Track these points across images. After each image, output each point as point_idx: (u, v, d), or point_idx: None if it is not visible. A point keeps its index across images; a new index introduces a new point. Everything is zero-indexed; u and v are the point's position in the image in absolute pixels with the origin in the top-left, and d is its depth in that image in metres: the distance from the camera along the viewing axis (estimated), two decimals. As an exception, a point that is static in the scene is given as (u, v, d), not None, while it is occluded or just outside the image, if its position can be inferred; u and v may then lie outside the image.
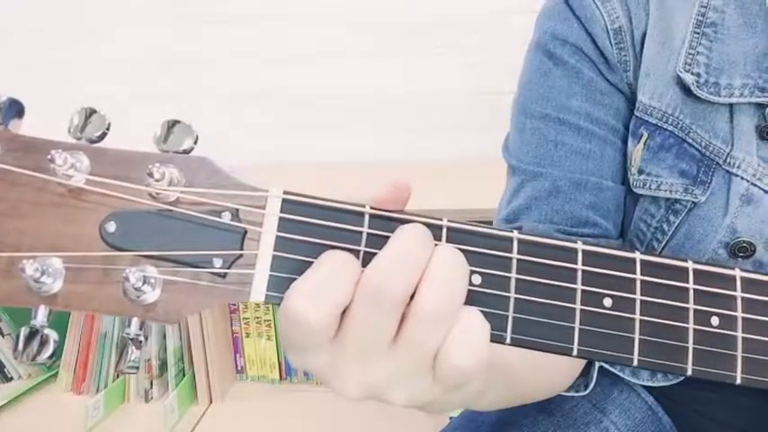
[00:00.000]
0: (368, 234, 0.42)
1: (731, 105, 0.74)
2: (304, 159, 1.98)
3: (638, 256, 0.46)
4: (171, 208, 0.41)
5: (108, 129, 0.42)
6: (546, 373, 0.71)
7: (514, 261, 0.44)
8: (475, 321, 0.42)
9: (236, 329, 1.90)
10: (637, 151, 0.78)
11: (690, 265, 0.47)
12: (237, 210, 0.41)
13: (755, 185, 0.73)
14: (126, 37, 2.01)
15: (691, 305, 0.46)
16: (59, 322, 1.73)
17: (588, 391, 0.79)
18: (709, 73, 0.74)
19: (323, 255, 0.41)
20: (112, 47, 2.01)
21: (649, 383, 0.87)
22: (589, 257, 0.45)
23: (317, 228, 0.42)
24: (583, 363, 0.78)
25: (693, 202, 0.76)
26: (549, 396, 0.76)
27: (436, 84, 1.96)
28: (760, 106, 0.73)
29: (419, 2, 1.91)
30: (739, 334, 0.47)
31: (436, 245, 0.43)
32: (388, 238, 0.42)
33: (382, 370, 0.43)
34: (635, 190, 0.79)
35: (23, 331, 0.40)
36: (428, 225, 0.43)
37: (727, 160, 0.74)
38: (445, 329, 0.42)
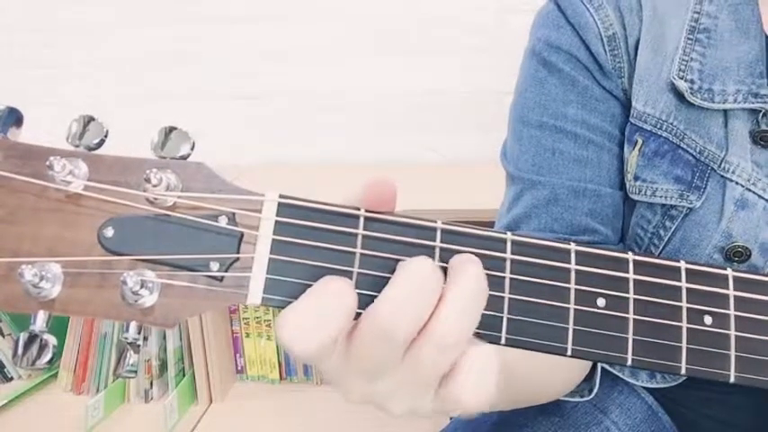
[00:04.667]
0: (363, 236, 0.43)
1: (725, 111, 0.74)
2: (304, 159, 1.99)
3: (630, 256, 0.47)
4: (168, 213, 0.41)
5: (106, 136, 0.42)
6: (546, 379, 0.71)
7: (508, 261, 0.45)
8: (488, 361, 0.42)
9: (236, 329, 1.90)
10: (632, 157, 0.78)
11: (682, 264, 0.47)
12: (234, 214, 0.42)
13: (750, 190, 0.73)
14: (126, 37, 2.01)
15: (684, 304, 0.47)
16: (59, 322, 1.72)
17: (593, 395, 0.79)
18: (702, 79, 0.74)
19: (317, 283, 0.41)
20: (112, 47, 2.02)
21: (648, 385, 0.87)
22: (582, 257, 0.46)
23: (313, 231, 0.42)
24: (587, 368, 0.78)
25: (689, 208, 0.76)
26: (552, 399, 0.77)
27: (436, 84, 1.96)
28: (753, 111, 0.74)
29: (419, 2, 1.91)
30: (732, 332, 0.47)
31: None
32: (383, 240, 0.43)
33: (385, 386, 0.43)
34: (631, 196, 0.80)
35: (22, 336, 0.40)
36: (422, 227, 0.44)
37: (722, 165, 0.74)
38: (456, 355, 0.42)
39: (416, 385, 0.43)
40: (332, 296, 0.40)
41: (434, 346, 0.41)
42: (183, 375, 1.83)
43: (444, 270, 0.43)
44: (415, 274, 0.41)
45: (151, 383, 1.82)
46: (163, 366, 1.83)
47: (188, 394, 1.80)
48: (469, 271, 0.42)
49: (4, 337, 1.88)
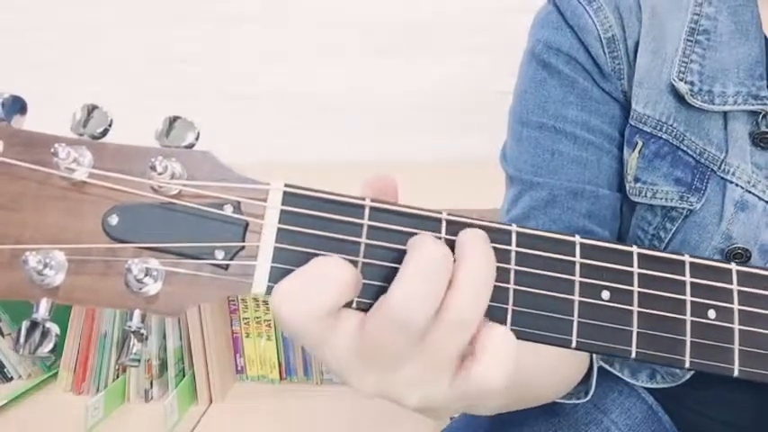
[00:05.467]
0: (368, 226, 0.43)
1: (725, 113, 0.74)
2: (304, 159, 1.98)
3: (635, 249, 0.47)
4: (173, 201, 0.41)
5: (110, 125, 0.42)
6: (547, 378, 0.71)
7: (513, 253, 0.45)
8: (508, 340, 0.43)
9: (236, 329, 1.90)
10: (632, 159, 0.78)
11: (686, 258, 0.47)
12: (239, 202, 0.42)
13: (750, 192, 0.74)
14: (126, 37, 2.01)
15: (688, 297, 0.47)
16: (59, 322, 1.72)
17: (588, 397, 0.79)
18: (702, 81, 0.74)
19: (315, 258, 0.41)
20: (112, 47, 2.02)
21: (648, 385, 0.87)
22: (587, 250, 0.46)
23: (318, 220, 0.42)
24: (584, 368, 0.78)
25: (689, 210, 0.76)
26: (552, 399, 0.76)
27: (436, 84, 1.96)
28: (753, 113, 0.74)
29: (420, 2, 1.91)
30: (736, 326, 0.48)
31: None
32: (388, 230, 0.43)
33: (402, 374, 0.43)
34: (631, 198, 0.80)
35: (25, 324, 0.40)
36: (427, 219, 0.44)
37: (722, 167, 0.75)
38: (472, 332, 0.42)
39: (433, 370, 0.43)
40: (328, 269, 0.40)
41: (451, 324, 0.41)
42: (183, 375, 1.83)
43: (452, 245, 0.43)
44: (425, 258, 0.41)
45: (151, 383, 1.82)
46: (163, 366, 1.83)
47: (188, 394, 1.80)
48: (478, 246, 0.42)
49: (3, 336, 1.88)
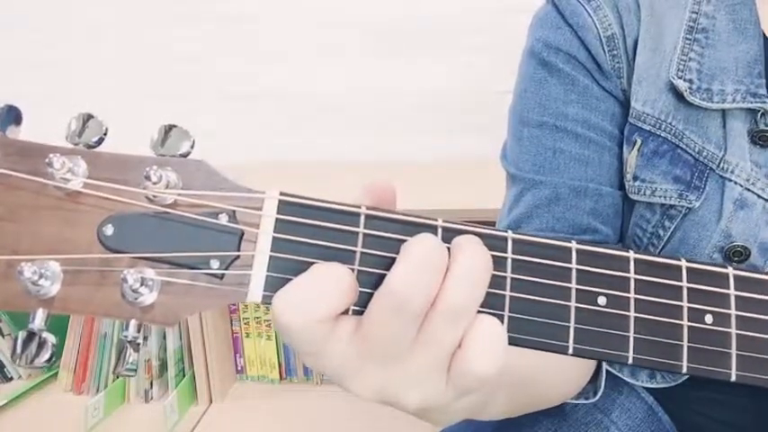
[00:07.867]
0: (364, 234, 0.43)
1: (723, 111, 0.74)
2: (304, 159, 1.99)
3: (631, 254, 0.47)
4: (168, 210, 0.41)
5: (105, 134, 0.42)
6: (552, 380, 0.71)
7: (509, 260, 0.44)
8: (495, 329, 0.43)
9: (236, 329, 1.91)
10: (631, 157, 0.78)
11: (683, 263, 0.47)
12: (234, 211, 0.42)
13: (749, 190, 0.73)
14: (126, 37, 2.01)
15: (684, 303, 0.47)
16: (59, 322, 1.73)
17: (597, 398, 0.79)
18: (701, 79, 0.74)
19: (314, 265, 0.41)
20: (112, 47, 2.02)
21: (648, 385, 0.87)
22: (583, 256, 0.46)
23: (314, 228, 0.42)
24: (591, 369, 0.78)
25: (688, 208, 0.76)
26: (557, 404, 0.76)
27: (436, 84, 1.96)
28: (752, 111, 0.74)
29: (420, 2, 1.91)
30: (733, 331, 0.47)
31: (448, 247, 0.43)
32: (383, 238, 0.43)
33: (400, 370, 0.43)
34: (630, 196, 0.79)
35: (21, 335, 0.40)
36: (423, 225, 0.44)
37: (721, 165, 0.74)
38: (464, 326, 0.42)
39: (430, 365, 0.43)
40: (327, 277, 0.41)
41: (445, 315, 0.41)
42: (183, 375, 1.84)
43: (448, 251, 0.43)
44: (421, 248, 0.41)
45: (151, 383, 1.82)
46: (163, 366, 1.84)
47: (188, 394, 1.81)
48: (471, 245, 0.43)
49: (3, 337, 1.89)
